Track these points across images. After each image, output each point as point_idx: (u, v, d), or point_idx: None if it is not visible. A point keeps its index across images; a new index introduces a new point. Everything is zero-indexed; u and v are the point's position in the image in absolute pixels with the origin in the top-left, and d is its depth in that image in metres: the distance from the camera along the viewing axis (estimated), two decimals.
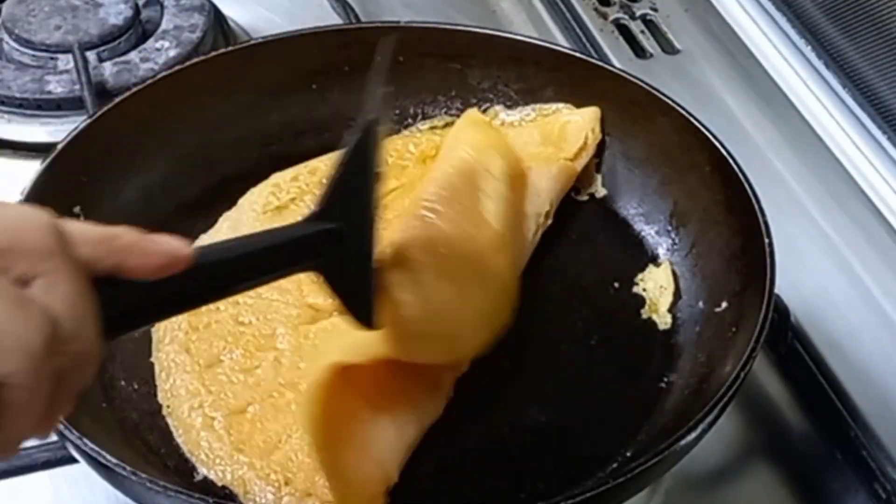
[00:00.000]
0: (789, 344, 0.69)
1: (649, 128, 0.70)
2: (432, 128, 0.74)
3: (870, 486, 0.65)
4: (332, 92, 0.74)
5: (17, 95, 0.83)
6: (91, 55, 0.84)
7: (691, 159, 0.67)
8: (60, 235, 0.38)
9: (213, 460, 0.57)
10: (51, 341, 0.36)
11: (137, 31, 0.87)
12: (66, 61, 0.84)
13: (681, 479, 0.64)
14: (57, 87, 0.83)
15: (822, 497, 0.66)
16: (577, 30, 0.92)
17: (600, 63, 0.74)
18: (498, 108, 0.74)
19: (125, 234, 0.41)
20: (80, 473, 0.54)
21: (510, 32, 0.75)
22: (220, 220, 0.68)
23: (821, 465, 0.67)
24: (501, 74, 0.74)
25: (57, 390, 0.37)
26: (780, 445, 0.68)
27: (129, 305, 0.42)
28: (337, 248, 0.48)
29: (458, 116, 0.73)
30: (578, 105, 0.72)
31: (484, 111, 0.74)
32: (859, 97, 0.83)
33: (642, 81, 0.70)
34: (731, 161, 0.64)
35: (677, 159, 0.69)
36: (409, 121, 0.74)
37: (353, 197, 0.49)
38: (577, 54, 0.74)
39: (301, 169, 0.70)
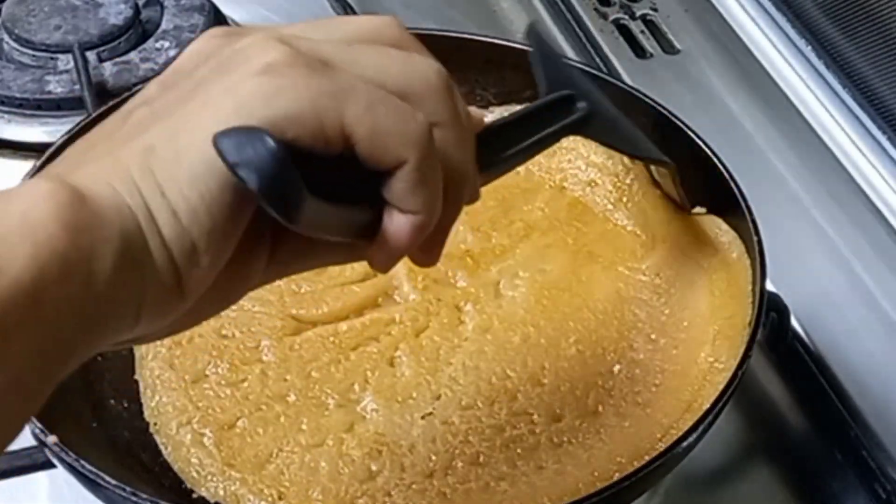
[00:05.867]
0: (789, 344, 0.69)
1: None
2: None
3: (870, 486, 0.65)
4: None
5: (17, 95, 0.83)
6: (91, 55, 0.84)
7: (673, 158, 0.66)
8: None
9: (204, 477, 0.56)
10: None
11: (137, 31, 0.87)
12: (66, 61, 0.84)
13: (681, 479, 0.64)
14: (57, 87, 0.83)
15: (822, 497, 0.66)
16: (577, 30, 0.92)
17: (577, 65, 0.73)
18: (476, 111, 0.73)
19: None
20: None
21: (486, 36, 0.74)
22: None
23: (821, 465, 0.67)
24: (479, 78, 0.73)
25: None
26: (780, 445, 0.68)
27: None
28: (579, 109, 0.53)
29: None
30: None
31: None
32: (859, 97, 0.83)
33: (621, 81, 0.70)
34: (715, 159, 0.64)
35: None
36: None
37: (563, 72, 0.55)
38: None
39: None
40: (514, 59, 0.72)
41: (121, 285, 0.36)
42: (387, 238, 0.40)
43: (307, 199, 0.36)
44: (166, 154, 0.36)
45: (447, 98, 0.41)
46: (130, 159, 0.36)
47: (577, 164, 0.69)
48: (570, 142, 0.69)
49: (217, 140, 0.35)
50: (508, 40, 0.74)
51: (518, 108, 0.72)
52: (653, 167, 0.68)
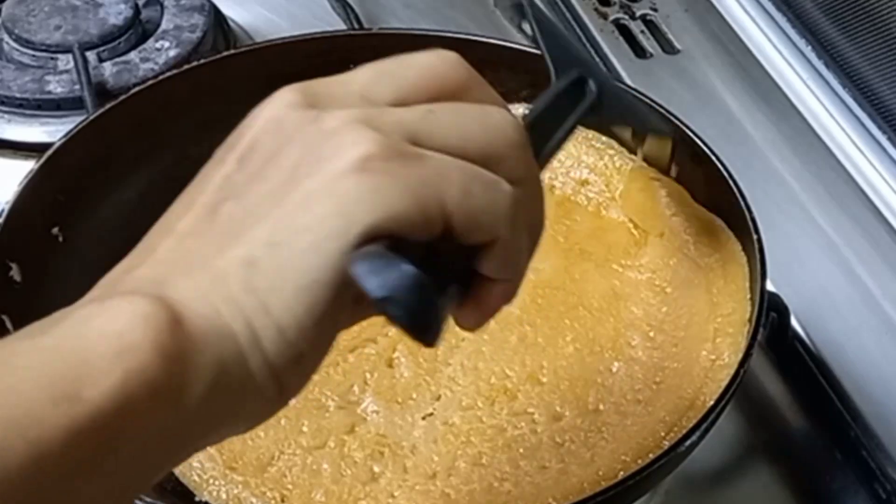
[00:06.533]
0: (789, 344, 0.69)
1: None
2: None
3: (870, 486, 0.65)
4: None
5: (17, 95, 0.83)
6: (91, 55, 0.84)
7: (673, 158, 0.67)
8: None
9: (206, 481, 0.56)
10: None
11: (137, 31, 0.87)
12: (66, 61, 0.84)
13: (681, 479, 0.64)
14: (57, 87, 0.83)
15: (822, 497, 0.66)
16: (578, 30, 0.92)
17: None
18: None
19: None
20: None
21: (483, 36, 0.74)
22: None
23: (821, 465, 0.67)
24: None
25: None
26: (780, 445, 0.68)
27: None
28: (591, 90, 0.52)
29: None
30: None
31: None
32: (859, 97, 0.83)
33: (621, 81, 0.70)
34: (714, 159, 0.64)
35: None
36: None
37: (565, 54, 0.53)
38: None
39: None
40: (510, 60, 0.72)
41: (214, 408, 0.34)
42: (481, 304, 0.40)
43: (444, 318, 0.36)
44: (269, 268, 0.34)
45: (525, 153, 0.40)
46: (230, 275, 0.35)
47: (566, 163, 0.69)
48: None
49: (358, 270, 0.34)
50: (507, 40, 0.74)
51: (516, 107, 0.73)
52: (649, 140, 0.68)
